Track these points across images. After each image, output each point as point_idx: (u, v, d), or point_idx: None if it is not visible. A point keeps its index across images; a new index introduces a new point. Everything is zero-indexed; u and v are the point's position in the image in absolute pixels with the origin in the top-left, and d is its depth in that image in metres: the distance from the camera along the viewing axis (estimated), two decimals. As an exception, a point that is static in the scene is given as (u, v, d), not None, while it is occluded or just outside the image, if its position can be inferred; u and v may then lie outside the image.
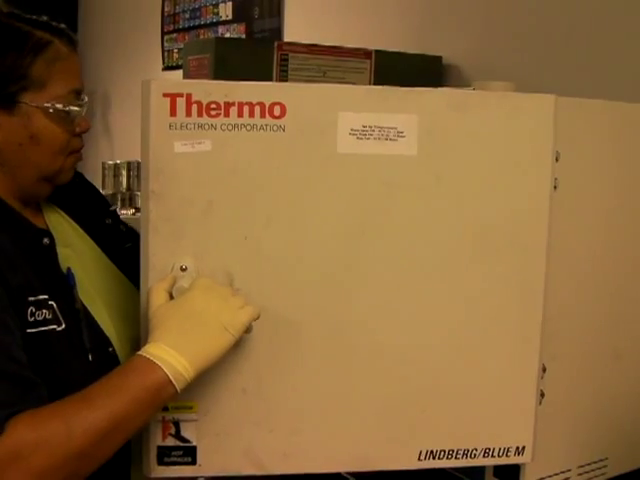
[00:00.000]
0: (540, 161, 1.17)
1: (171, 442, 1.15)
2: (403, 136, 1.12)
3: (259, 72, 2.10)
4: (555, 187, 1.19)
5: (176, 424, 1.14)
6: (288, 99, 1.10)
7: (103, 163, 3.72)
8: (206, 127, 1.08)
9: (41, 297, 1.09)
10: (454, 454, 1.20)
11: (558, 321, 1.24)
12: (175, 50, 3.93)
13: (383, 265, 1.15)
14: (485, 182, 1.16)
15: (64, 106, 1.14)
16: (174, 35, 3.94)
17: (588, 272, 1.31)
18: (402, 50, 2.36)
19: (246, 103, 1.09)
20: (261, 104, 1.09)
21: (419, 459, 1.19)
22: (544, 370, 1.22)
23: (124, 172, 3.61)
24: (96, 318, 1.17)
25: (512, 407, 1.21)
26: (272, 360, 1.14)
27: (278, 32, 3.20)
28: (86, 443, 0.97)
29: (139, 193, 3.25)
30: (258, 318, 1.08)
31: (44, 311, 1.09)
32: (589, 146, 1.27)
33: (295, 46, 2.19)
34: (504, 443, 1.21)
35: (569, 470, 1.35)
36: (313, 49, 2.20)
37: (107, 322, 1.18)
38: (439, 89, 1.20)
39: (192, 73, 2.15)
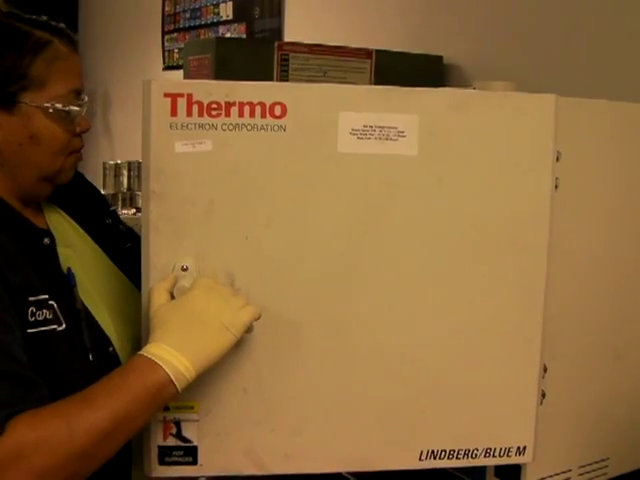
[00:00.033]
0: (541, 161, 1.17)
1: (172, 442, 1.15)
2: (404, 136, 1.12)
3: (260, 72, 2.10)
4: (556, 187, 1.19)
5: (177, 424, 1.14)
6: (289, 99, 1.10)
7: (104, 163, 3.72)
8: (207, 127, 1.08)
9: (42, 297, 1.09)
10: (455, 454, 1.20)
11: (559, 321, 1.24)
12: (175, 50, 3.93)
13: (384, 265, 1.15)
14: (486, 182, 1.16)
15: (64, 106, 1.14)
16: (174, 35, 3.94)
17: (589, 272, 1.31)
18: (403, 50, 2.36)
19: (247, 103, 1.09)
20: (262, 104, 1.09)
21: (420, 459, 1.20)
22: (545, 370, 1.22)
23: (125, 172, 3.62)
24: (97, 318, 1.17)
25: (513, 407, 1.21)
26: (273, 360, 1.14)
27: (278, 32, 3.20)
28: (87, 443, 0.97)
29: (140, 193, 3.25)
30: (259, 318, 1.08)
31: (45, 311, 1.09)
32: (590, 146, 1.27)
33: (296, 46, 2.19)
34: (505, 443, 1.21)
35: (570, 470, 1.35)
36: (314, 49, 2.20)
37: (108, 322, 1.18)
38: (440, 89, 1.20)
39: (193, 73, 2.15)
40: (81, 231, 1.27)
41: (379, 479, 1.27)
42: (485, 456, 1.21)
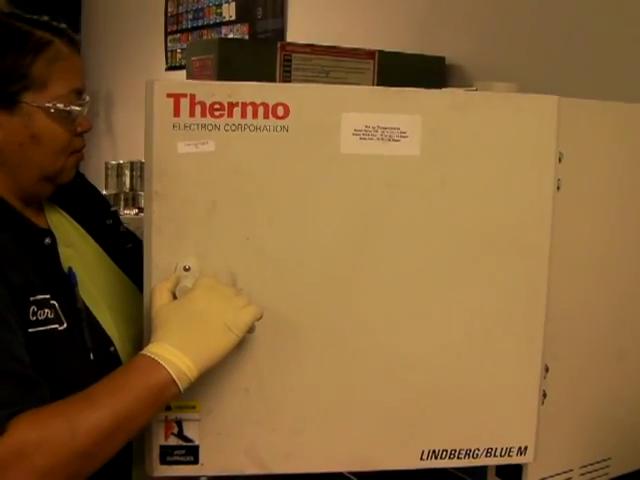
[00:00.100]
0: (543, 162, 1.17)
1: (174, 441, 1.15)
2: (406, 136, 1.13)
3: (262, 72, 2.10)
4: (558, 188, 1.19)
5: (179, 423, 1.14)
6: (291, 100, 1.10)
7: (106, 163, 3.72)
8: (209, 127, 1.08)
9: (43, 296, 1.09)
10: (456, 454, 1.20)
11: (561, 321, 1.24)
12: (178, 50, 3.93)
13: (385, 265, 1.15)
14: (488, 182, 1.16)
15: (65, 106, 1.14)
16: (177, 35, 3.94)
17: (591, 272, 1.31)
18: (405, 50, 2.36)
19: (249, 103, 1.09)
20: (264, 104, 1.09)
21: (421, 459, 1.20)
22: (547, 370, 1.22)
23: (127, 172, 3.61)
24: (98, 318, 1.17)
25: (514, 407, 1.21)
26: (274, 360, 1.14)
27: (281, 32, 3.20)
28: (89, 442, 0.97)
29: (142, 193, 3.26)
30: (261, 318, 1.08)
31: (46, 310, 1.09)
32: (592, 147, 1.27)
33: (298, 47, 2.19)
34: (506, 443, 1.21)
35: (571, 470, 1.35)
36: (316, 49, 2.20)
37: (109, 322, 1.18)
38: (442, 90, 1.20)
39: (195, 73, 2.15)
40: (82, 231, 1.27)
41: (380, 479, 1.27)
42: (486, 456, 1.21)
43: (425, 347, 1.18)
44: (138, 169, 3.56)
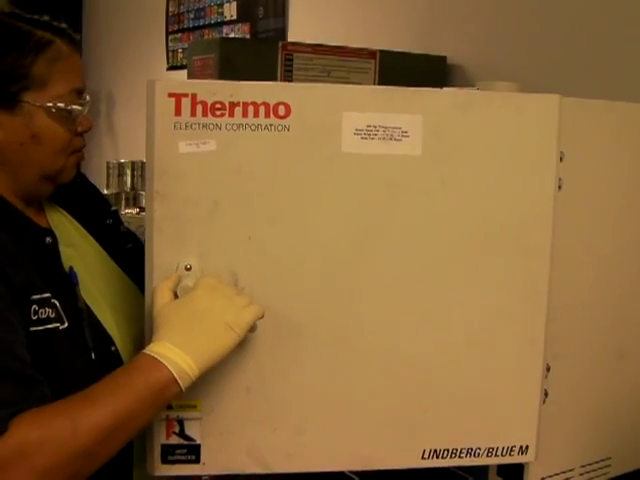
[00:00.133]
0: (544, 161, 1.17)
1: (175, 440, 1.15)
2: (407, 136, 1.13)
3: (264, 72, 2.10)
4: (559, 187, 1.19)
5: (180, 422, 1.15)
6: (293, 99, 1.10)
7: (107, 163, 3.72)
8: (211, 127, 1.08)
9: (44, 295, 1.09)
10: (458, 453, 1.20)
11: (562, 321, 1.24)
12: (179, 50, 3.93)
13: (387, 265, 1.15)
14: (489, 182, 1.16)
15: (66, 105, 1.14)
16: (178, 35, 3.94)
17: (592, 272, 1.31)
18: (407, 50, 2.36)
19: (251, 103, 1.09)
20: (266, 104, 1.09)
21: (423, 458, 1.20)
22: (548, 369, 1.22)
23: (128, 172, 3.62)
24: (99, 317, 1.17)
25: (516, 406, 1.21)
26: (276, 359, 1.14)
27: (282, 32, 3.20)
28: (91, 441, 0.97)
29: (143, 193, 3.26)
30: (262, 317, 1.08)
31: (47, 309, 1.09)
32: (593, 146, 1.27)
33: (300, 46, 2.19)
34: (508, 442, 1.21)
35: (572, 469, 1.35)
36: (318, 49, 2.20)
37: (109, 321, 1.18)
38: (443, 89, 1.20)
39: (197, 73, 2.16)
40: (83, 231, 1.27)
41: (382, 478, 1.27)
42: (488, 455, 1.21)
43: (426, 346, 1.18)
44: (139, 169, 3.57)
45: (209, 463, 1.16)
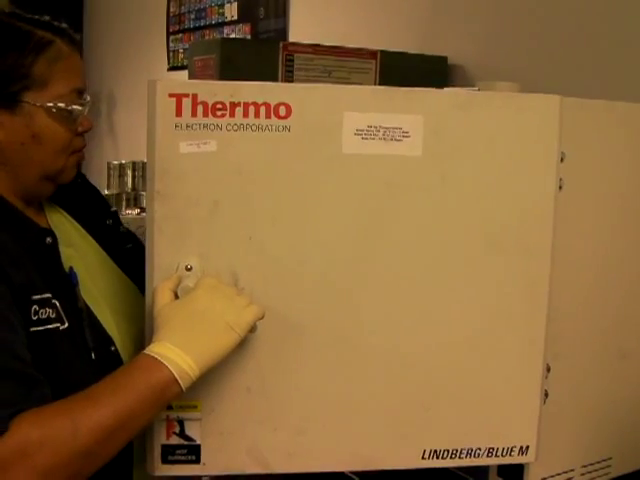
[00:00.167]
0: (545, 162, 1.17)
1: (175, 441, 1.15)
2: (408, 136, 1.13)
3: (264, 72, 2.10)
4: (560, 187, 1.19)
5: (180, 423, 1.15)
6: (293, 99, 1.10)
7: (108, 163, 3.72)
8: (211, 127, 1.09)
9: (44, 296, 1.09)
10: (458, 453, 1.20)
11: (563, 321, 1.24)
12: (180, 50, 3.93)
13: (387, 265, 1.15)
14: (490, 182, 1.16)
15: (66, 105, 1.14)
16: (179, 35, 3.94)
17: (593, 272, 1.31)
18: (407, 50, 2.36)
19: (252, 103, 1.09)
20: (266, 104, 1.09)
21: (423, 458, 1.20)
22: (548, 370, 1.22)
23: (129, 172, 3.62)
24: (99, 317, 1.17)
25: (516, 407, 1.21)
26: (276, 359, 1.14)
27: (283, 32, 3.20)
28: (91, 441, 0.97)
29: (144, 193, 3.25)
30: (263, 317, 1.08)
31: (47, 310, 1.09)
32: (594, 147, 1.27)
33: (300, 46, 2.19)
34: (508, 443, 1.21)
35: (572, 470, 1.35)
36: (318, 49, 2.20)
37: (109, 321, 1.19)
38: (444, 89, 1.20)
39: (197, 73, 2.16)
40: (83, 231, 1.28)
41: (382, 478, 1.27)
42: (488, 455, 1.21)
43: (427, 346, 1.18)
44: (140, 169, 3.57)
45: (209, 463, 1.16)
